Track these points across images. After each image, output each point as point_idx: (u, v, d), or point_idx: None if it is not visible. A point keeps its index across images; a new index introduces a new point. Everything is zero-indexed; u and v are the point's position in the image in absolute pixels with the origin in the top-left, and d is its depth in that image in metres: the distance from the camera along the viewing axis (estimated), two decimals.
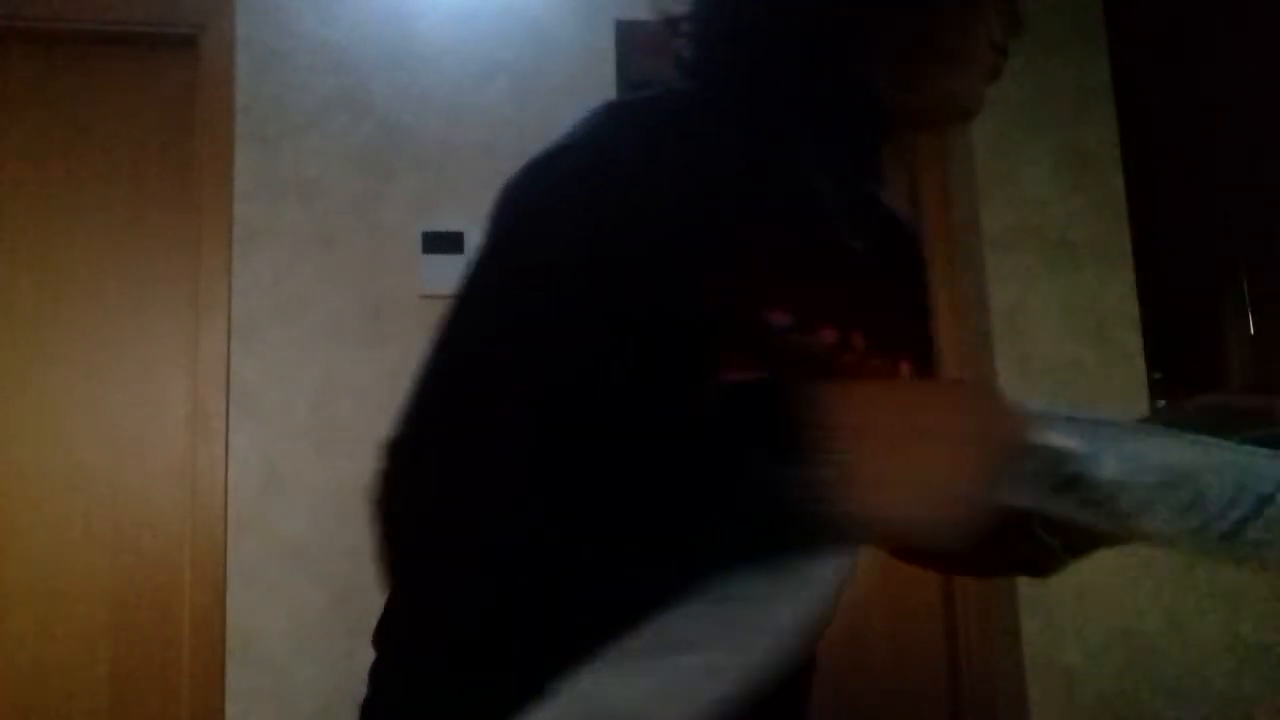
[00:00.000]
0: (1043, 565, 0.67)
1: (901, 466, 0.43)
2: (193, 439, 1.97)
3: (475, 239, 2.24)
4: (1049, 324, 2.25)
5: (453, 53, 2.16)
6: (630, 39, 2.27)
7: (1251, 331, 2.54)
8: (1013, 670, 2.16)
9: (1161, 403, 2.32)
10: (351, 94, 2.11)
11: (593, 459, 0.48)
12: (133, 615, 1.95)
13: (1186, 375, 2.52)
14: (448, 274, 2.04)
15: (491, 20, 2.18)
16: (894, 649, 2.66)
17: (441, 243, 2.05)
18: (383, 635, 0.62)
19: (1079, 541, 0.64)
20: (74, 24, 2.06)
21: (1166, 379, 2.36)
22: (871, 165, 0.68)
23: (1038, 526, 0.62)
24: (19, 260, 2.03)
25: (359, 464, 1.98)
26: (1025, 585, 2.14)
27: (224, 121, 2.07)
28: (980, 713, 2.26)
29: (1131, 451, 0.49)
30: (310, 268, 2.05)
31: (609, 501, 0.47)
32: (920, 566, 0.81)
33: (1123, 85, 2.39)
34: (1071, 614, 2.15)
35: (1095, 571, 2.17)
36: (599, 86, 2.18)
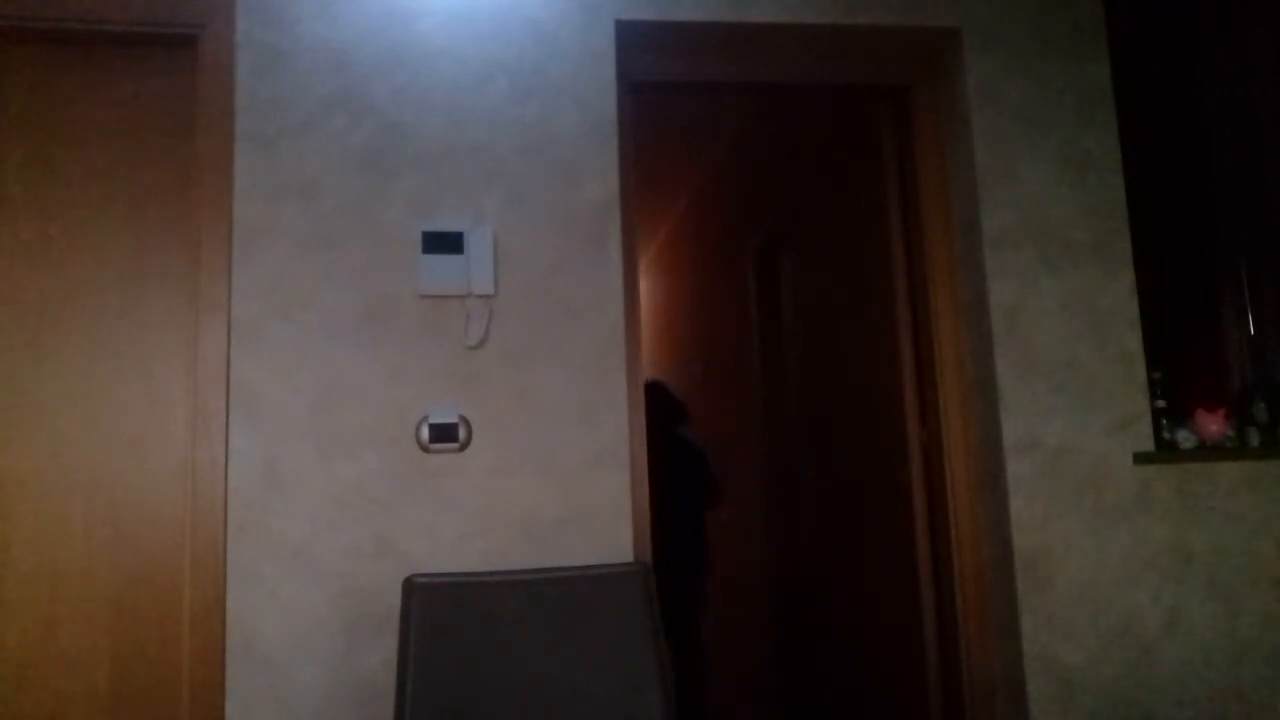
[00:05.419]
0: None
1: None
2: (193, 439, 1.97)
3: (475, 239, 2.23)
4: (1049, 324, 2.25)
5: (453, 53, 2.16)
6: (630, 39, 2.27)
7: (1251, 331, 2.55)
8: (1013, 670, 2.16)
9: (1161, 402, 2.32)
10: (351, 94, 2.11)
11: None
12: (133, 615, 1.95)
13: (1186, 375, 2.53)
14: (448, 274, 2.05)
15: (491, 20, 2.18)
16: (893, 648, 2.67)
17: (441, 243, 2.05)
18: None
19: None
20: (74, 24, 2.06)
21: (1166, 379, 2.36)
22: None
23: None
24: (19, 260, 2.03)
25: (359, 464, 1.99)
26: (1025, 585, 2.14)
27: (224, 121, 2.07)
28: (980, 712, 2.26)
29: None
30: (310, 268, 2.05)
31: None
32: None
33: (1123, 85, 2.39)
34: (1071, 614, 2.15)
35: (1095, 571, 2.17)
36: (599, 86, 2.18)
